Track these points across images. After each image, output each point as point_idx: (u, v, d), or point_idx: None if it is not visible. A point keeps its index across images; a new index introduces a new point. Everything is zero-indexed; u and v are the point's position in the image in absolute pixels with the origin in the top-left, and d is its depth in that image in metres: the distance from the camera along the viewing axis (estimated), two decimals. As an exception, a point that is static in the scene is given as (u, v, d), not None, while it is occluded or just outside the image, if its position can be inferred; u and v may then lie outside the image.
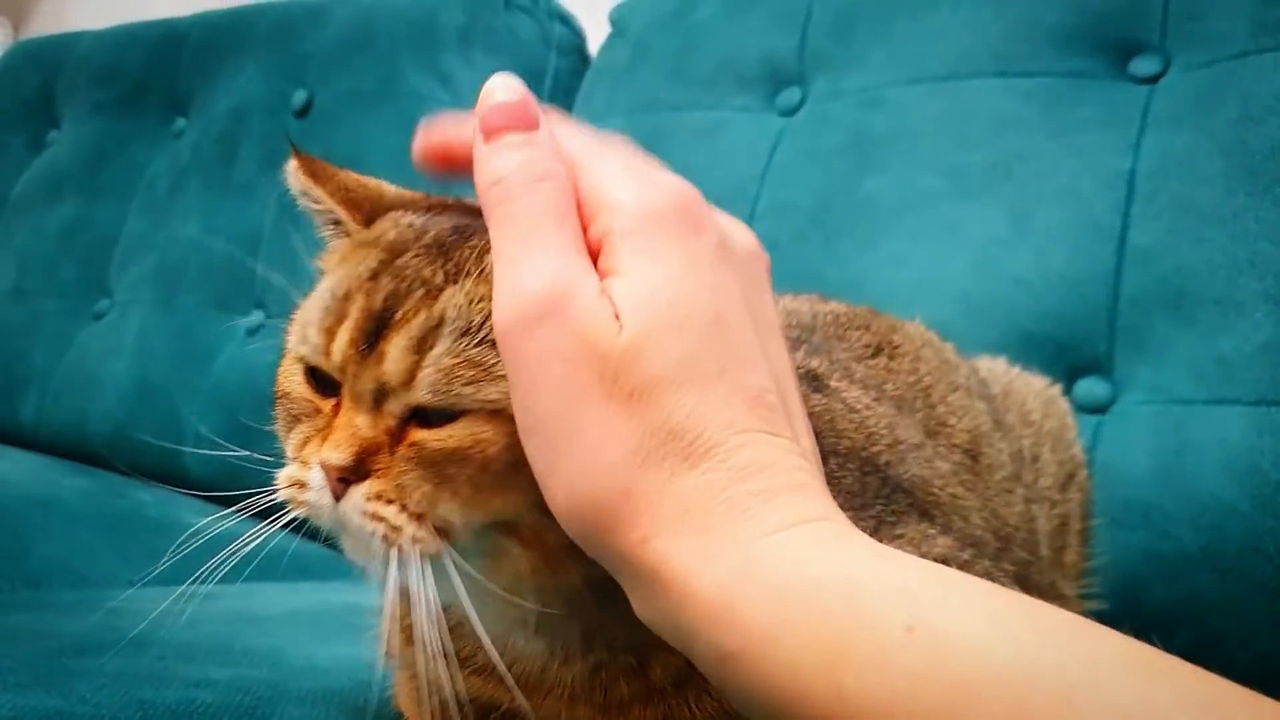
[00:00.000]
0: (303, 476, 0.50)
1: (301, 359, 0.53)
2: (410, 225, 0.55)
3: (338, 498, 0.49)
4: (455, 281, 0.50)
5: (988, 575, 0.61)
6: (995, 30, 1.17)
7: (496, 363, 0.47)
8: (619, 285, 0.43)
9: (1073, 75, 1.12)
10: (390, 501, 0.48)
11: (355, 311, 0.50)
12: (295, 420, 0.53)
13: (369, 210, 0.57)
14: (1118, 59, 1.11)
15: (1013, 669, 0.34)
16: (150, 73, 1.99)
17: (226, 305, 1.69)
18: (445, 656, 0.51)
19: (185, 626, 0.79)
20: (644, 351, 0.42)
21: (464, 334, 0.48)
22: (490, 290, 0.46)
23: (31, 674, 0.61)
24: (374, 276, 0.51)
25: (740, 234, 0.49)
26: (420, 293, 0.50)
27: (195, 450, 1.60)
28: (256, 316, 1.64)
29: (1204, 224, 0.98)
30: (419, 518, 0.48)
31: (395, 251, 0.53)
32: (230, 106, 1.82)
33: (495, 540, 0.49)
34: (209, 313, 1.70)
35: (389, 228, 0.55)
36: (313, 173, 0.59)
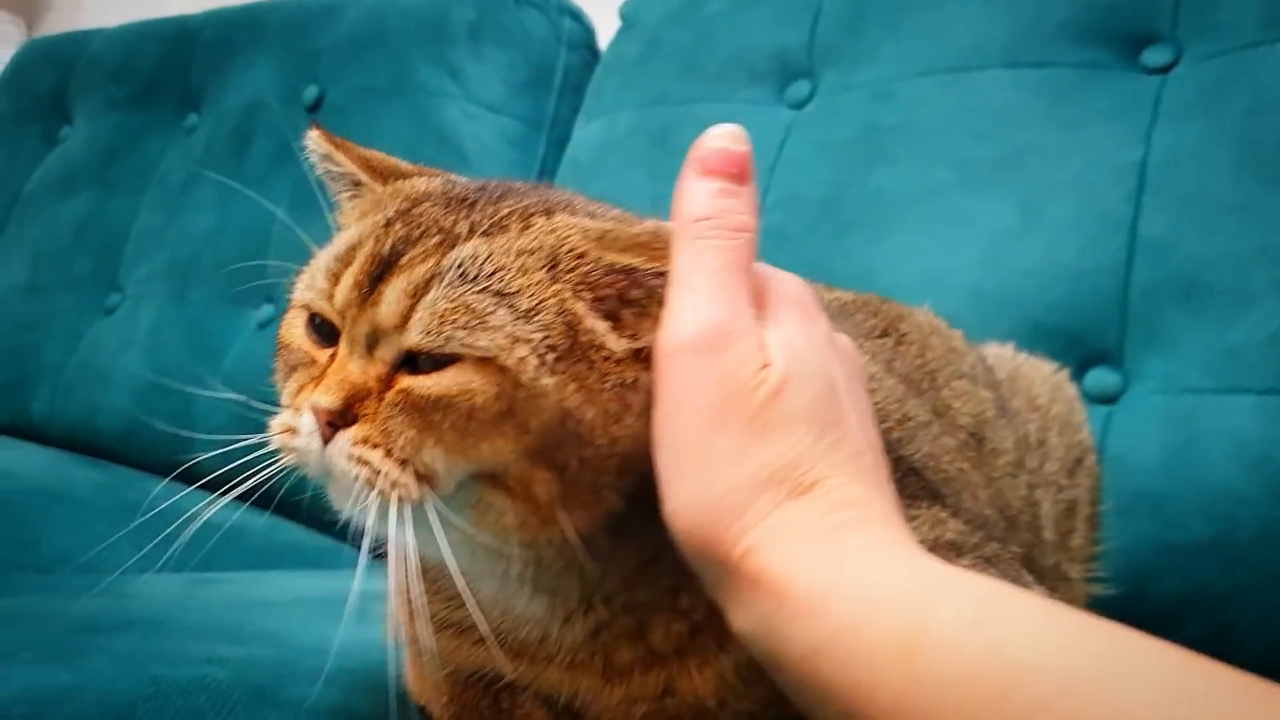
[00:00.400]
0: (294, 422, 0.51)
1: (306, 305, 0.54)
2: (436, 180, 0.58)
3: (326, 443, 0.50)
4: (477, 235, 0.52)
5: (997, 556, 0.61)
6: (1005, 22, 1.17)
7: (493, 312, 0.49)
8: (770, 337, 0.50)
9: (1083, 66, 1.12)
10: (375, 446, 0.49)
11: (362, 256, 0.52)
12: (292, 370, 0.54)
13: (389, 176, 0.60)
14: (1128, 50, 1.10)
15: (1066, 656, 0.39)
16: (163, 69, 2.00)
17: (237, 299, 1.69)
18: (420, 611, 0.53)
19: (195, 609, 0.79)
20: (782, 395, 0.48)
21: (466, 281, 0.50)
22: (519, 264, 0.50)
23: (44, 650, 0.62)
24: (388, 224, 0.53)
25: (842, 337, 0.57)
26: (435, 240, 0.52)
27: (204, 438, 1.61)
28: (267, 310, 1.65)
29: (1215, 214, 0.98)
30: (403, 463, 0.49)
31: (415, 201, 0.54)
32: (242, 102, 1.83)
33: (480, 493, 0.50)
34: (220, 306, 1.70)
35: (415, 182, 0.57)
36: (334, 142, 0.62)
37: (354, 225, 0.55)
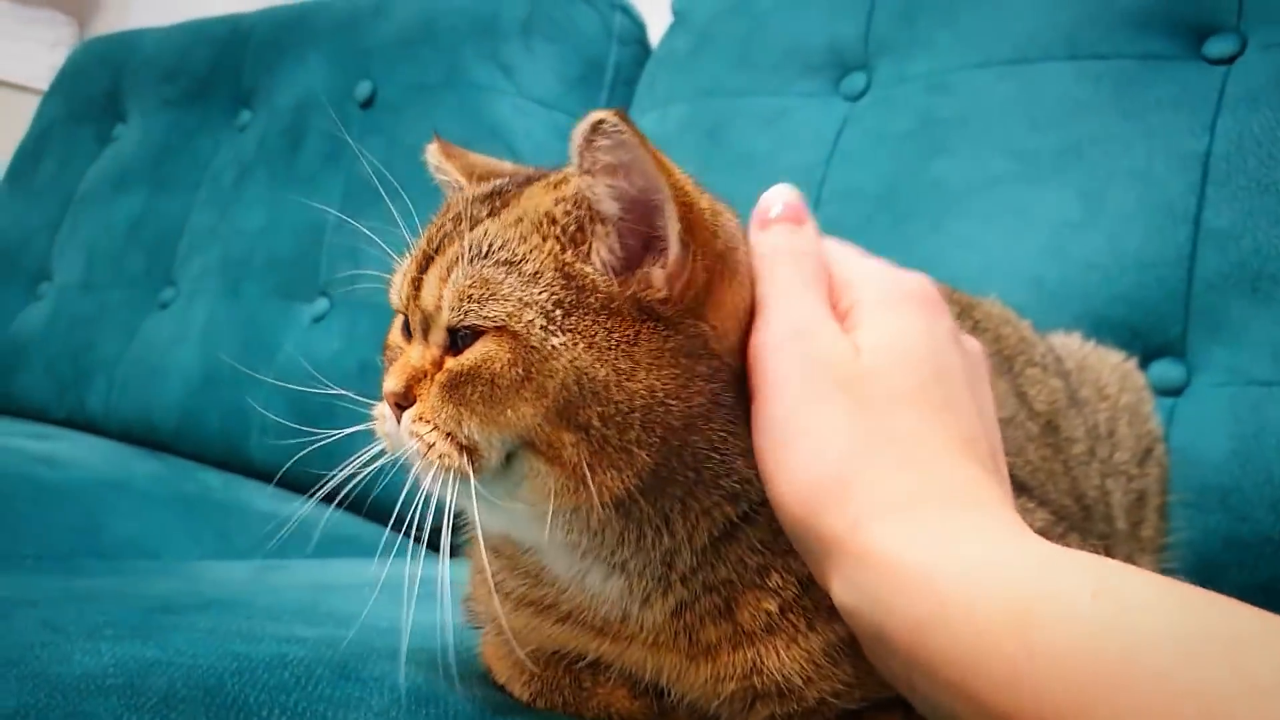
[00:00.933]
0: (379, 410, 0.57)
1: (391, 303, 0.59)
2: (488, 181, 0.61)
3: (399, 424, 0.55)
4: (493, 216, 0.56)
5: (1080, 548, 0.61)
6: (1066, 13, 1.16)
7: (502, 281, 0.53)
8: (862, 334, 0.53)
9: (1145, 57, 1.11)
10: (426, 421, 0.54)
11: (413, 255, 0.58)
12: (390, 363, 0.58)
13: (484, 179, 0.62)
14: (1191, 40, 1.09)
15: (1186, 626, 0.39)
16: (215, 68, 2.03)
17: (290, 294, 1.71)
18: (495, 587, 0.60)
19: (266, 592, 0.80)
20: (879, 374, 0.51)
21: (480, 257, 0.54)
22: (518, 231, 0.54)
23: (127, 628, 0.63)
24: (436, 222, 0.59)
25: (970, 339, 0.59)
26: (462, 228, 0.56)
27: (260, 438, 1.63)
28: (320, 305, 1.66)
29: (1282, 205, 0.97)
30: (448, 436, 0.53)
31: (466, 199, 0.58)
32: (294, 100, 1.85)
33: (524, 462, 0.53)
34: (273, 302, 1.72)
35: (487, 183, 0.60)
36: (446, 152, 0.66)
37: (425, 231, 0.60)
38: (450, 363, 0.53)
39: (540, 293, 0.52)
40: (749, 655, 0.54)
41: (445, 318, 0.54)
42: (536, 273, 0.53)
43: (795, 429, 0.50)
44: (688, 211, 0.52)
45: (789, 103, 1.33)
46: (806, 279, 0.55)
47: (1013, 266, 1.09)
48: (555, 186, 0.56)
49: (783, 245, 0.56)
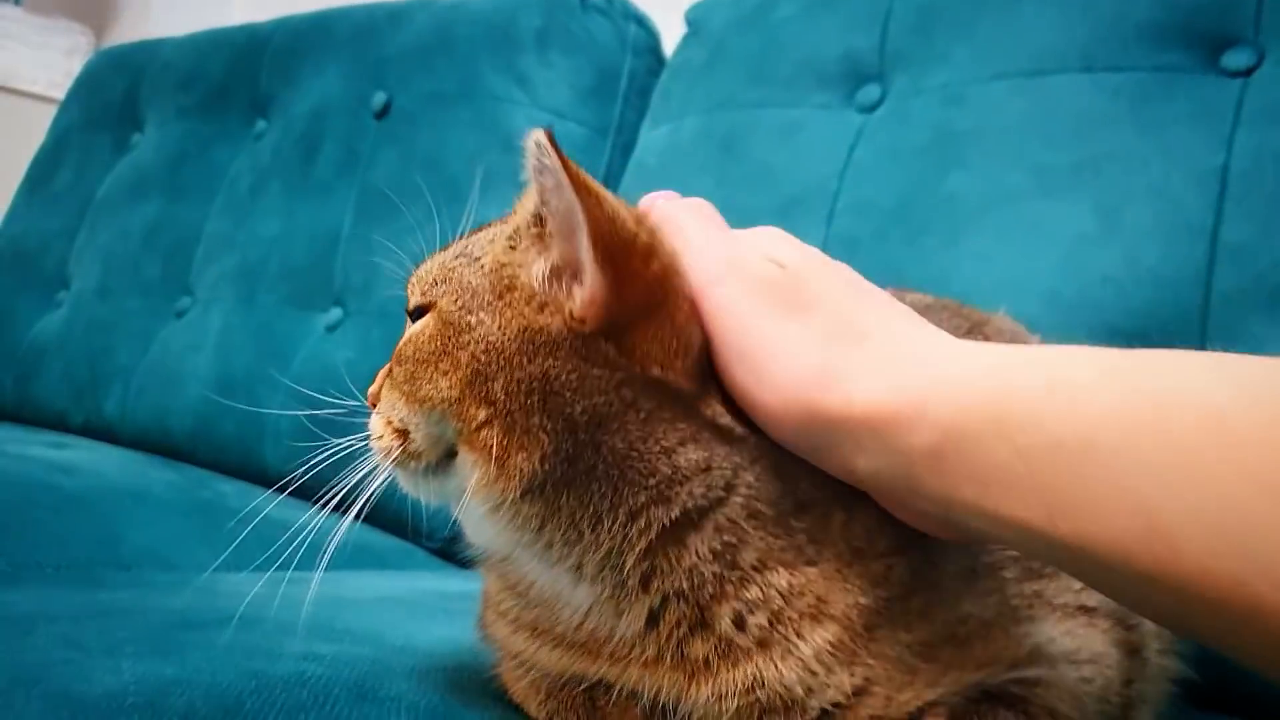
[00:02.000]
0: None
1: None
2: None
3: None
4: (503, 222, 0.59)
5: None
6: (1082, 26, 1.16)
7: (457, 271, 0.57)
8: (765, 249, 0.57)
9: (1162, 70, 1.10)
10: (378, 413, 0.58)
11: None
12: None
13: None
14: (1209, 53, 1.09)
15: (1129, 400, 0.42)
16: (232, 76, 2.04)
17: (306, 303, 1.71)
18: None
19: (284, 607, 0.80)
20: (807, 276, 0.55)
21: (459, 255, 0.58)
22: (490, 234, 0.58)
23: (147, 644, 0.63)
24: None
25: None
26: (441, 251, 0.60)
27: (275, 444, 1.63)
28: (335, 313, 1.67)
29: (1301, 220, 0.97)
30: (388, 421, 0.57)
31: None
32: (310, 108, 1.86)
33: (460, 457, 0.55)
34: (288, 310, 1.73)
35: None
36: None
37: None
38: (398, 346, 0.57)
39: (475, 276, 0.56)
40: (749, 670, 0.54)
41: (411, 305, 0.58)
42: (481, 262, 0.57)
43: (762, 349, 0.53)
44: (608, 240, 0.52)
45: (804, 115, 1.33)
46: (711, 221, 0.58)
47: (1028, 281, 1.08)
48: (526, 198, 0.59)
49: (674, 206, 0.59)
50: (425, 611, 0.83)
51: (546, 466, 0.53)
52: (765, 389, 0.53)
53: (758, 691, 0.54)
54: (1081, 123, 1.13)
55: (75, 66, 2.39)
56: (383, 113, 1.74)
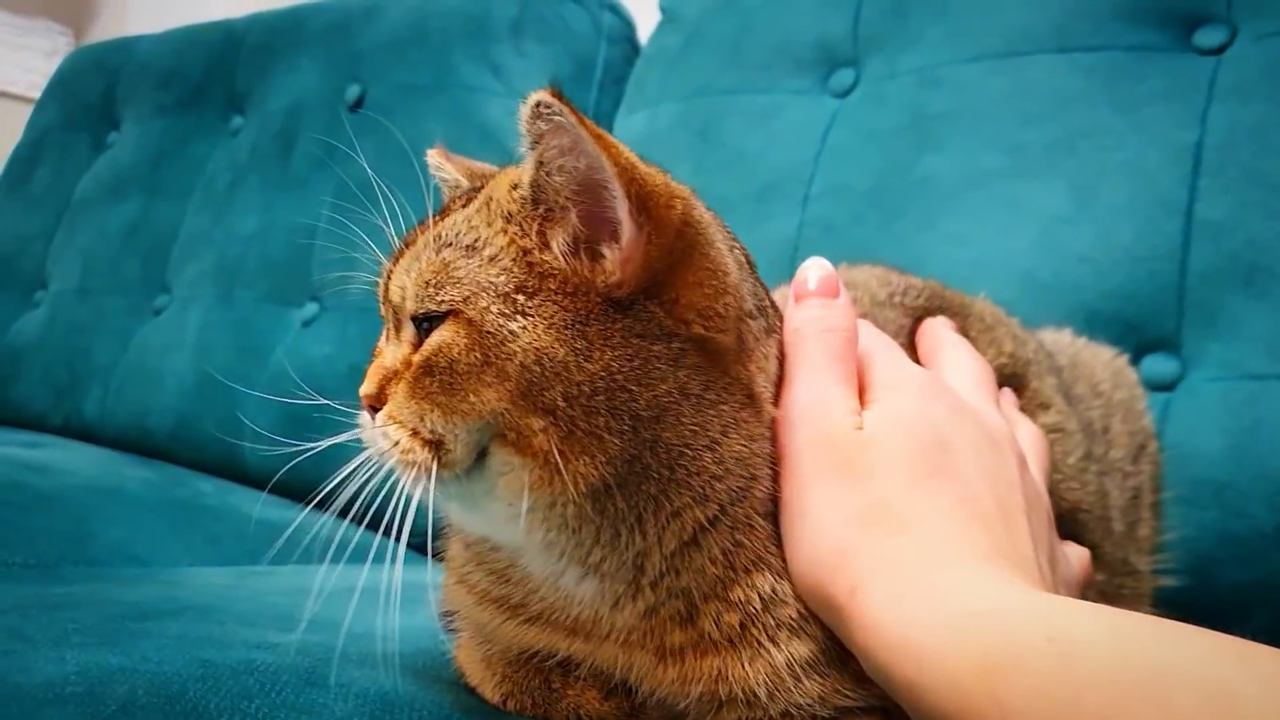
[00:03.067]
0: (362, 417, 0.56)
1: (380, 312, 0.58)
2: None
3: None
4: (465, 205, 0.56)
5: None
6: (1056, 5, 1.15)
7: (461, 265, 0.53)
8: (869, 411, 0.57)
9: (1136, 49, 1.09)
10: (394, 421, 0.53)
11: (391, 253, 0.58)
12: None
13: (482, 178, 0.62)
14: (1182, 31, 1.08)
15: (1126, 663, 0.41)
16: (208, 73, 2.02)
17: (283, 299, 1.70)
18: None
19: (245, 598, 0.79)
20: (873, 445, 0.54)
21: (444, 246, 0.54)
22: (482, 218, 0.54)
23: (95, 635, 0.62)
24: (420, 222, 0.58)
25: (1024, 430, 0.67)
26: (435, 219, 0.56)
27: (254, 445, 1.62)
28: (312, 309, 1.66)
29: (1276, 196, 0.96)
30: (413, 433, 0.52)
31: (452, 199, 0.59)
32: (286, 104, 1.84)
33: (497, 457, 0.52)
34: (266, 306, 1.71)
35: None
36: (446, 155, 0.67)
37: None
38: (416, 354, 0.53)
39: (498, 276, 0.52)
40: (715, 664, 0.54)
41: (409, 308, 0.54)
42: (494, 257, 0.53)
43: (801, 507, 0.54)
44: (638, 188, 0.51)
45: (779, 100, 1.32)
46: (831, 354, 0.58)
47: (1004, 262, 1.07)
48: (515, 171, 0.55)
49: (812, 319, 0.59)
50: (391, 601, 0.82)
51: (610, 470, 0.51)
52: (791, 548, 0.54)
53: (720, 684, 0.54)
54: (1056, 102, 1.12)
55: (54, 67, 2.37)
56: (357, 105, 1.73)
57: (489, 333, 0.51)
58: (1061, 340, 0.92)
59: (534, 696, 0.58)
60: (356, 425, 0.58)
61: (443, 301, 0.52)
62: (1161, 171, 1.02)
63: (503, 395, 0.51)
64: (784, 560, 0.54)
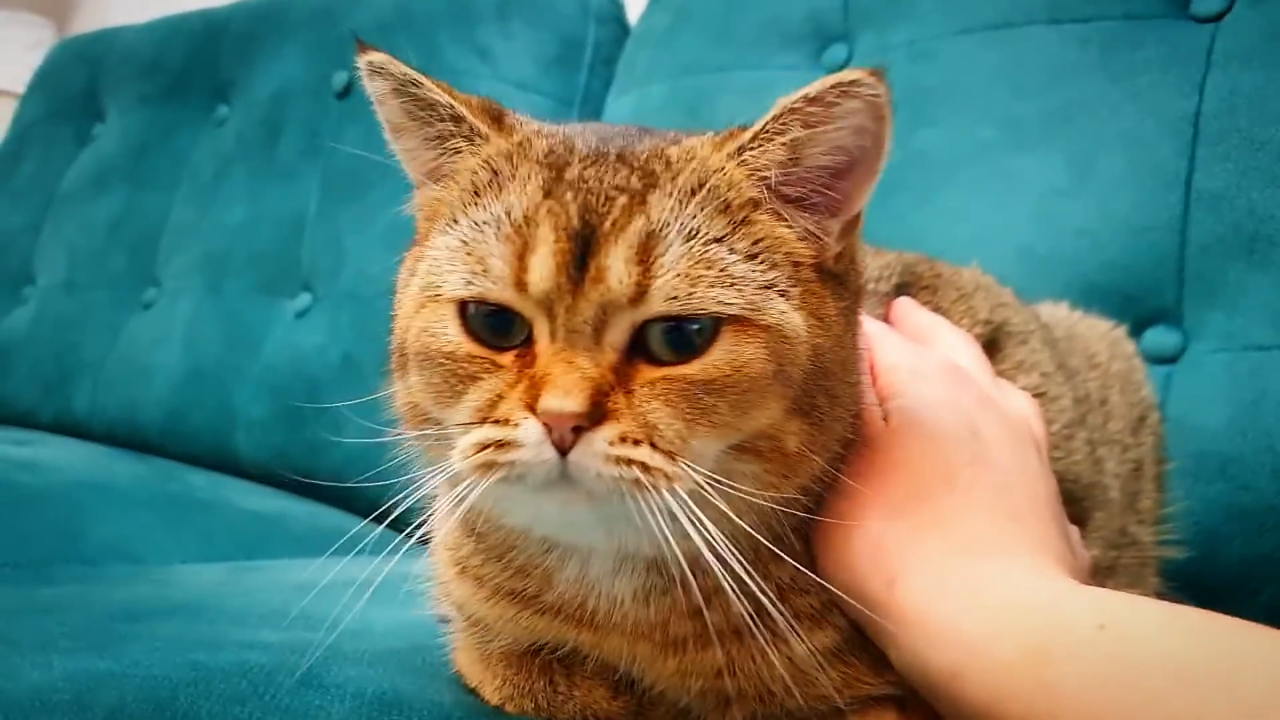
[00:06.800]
0: (508, 435, 0.47)
1: (477, 298, 0.49)
2: (553, 135, 0.53)
3: (564, 450, 0.46)
4: (657, 186, 0.49)
5: None
6: (1047, -26, 1.13)
7: (728, 265, 0.48)
8: (894, 404, 0.56)
9: (1130, 18, 1.08)
10: (638, 442, 0.46)
11: (549, 233, 0.48)
12: (463, 381, 0.49)
13: (500, 120, 0.55)
14: (1177, -1, 1.06)
15: (1184, 652, 0.41)
16: (192, 63, 2.00)
17: (273, 289, 1.68)
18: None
19: (238, 595, 0.78)
20: (901, 436, 0.54)
21: (690, 238, 0.48)
22: (701, 197, 0.48)
23: (84, 639, 0.60)
24: (551, 193, 0.49)
25: (1017, 401, 0.64)
26: (623, 200, 0.48)
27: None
28: (304, 299, 1.64)
29: (1277, 164, 0.94)
30: (669, 455, 0.46)
31: (557, 165, 0.50)
32: (271, 92, 1.82)
33: (729, 463, 0.49)
34: (256, 297, 1.70)
35: (529, 137, 0.53)
36: (420, 72, 0.56)
37: (485, 196, 0.51)
38: (668, 373, 0.47)
39: (766, 272, 0.49)
40: (717, 656, 0.52)
41: (657, 306, 0.47)
42: (753, 253, 0.49)
43: (832, 505, 0.53)
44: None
45: (771, 76, 1.30)
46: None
47: (1001, 236, 1.06)
48: (739, 153, 0.51)
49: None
50: (387, 595, 0.80)
51: (827, 457, 0.51)
52: (827, 543, 0.53)
53: (727, 680, 0.52)
54: (1051, 73, 1.10)
55: (37, 60, 2.34)
56: (345, 92, 1.71)
57: (785, 338, 0.48)
58: (1059, 313, 0.91)
59: (538, 699, 0.57)
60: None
61: (724, 303, 0.47)
62: (1159, 141, 1.01)
63: (783, 405, 0.48)
64: (807, 546, 0.53)
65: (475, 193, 0.51)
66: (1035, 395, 0.72)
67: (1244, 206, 0.95)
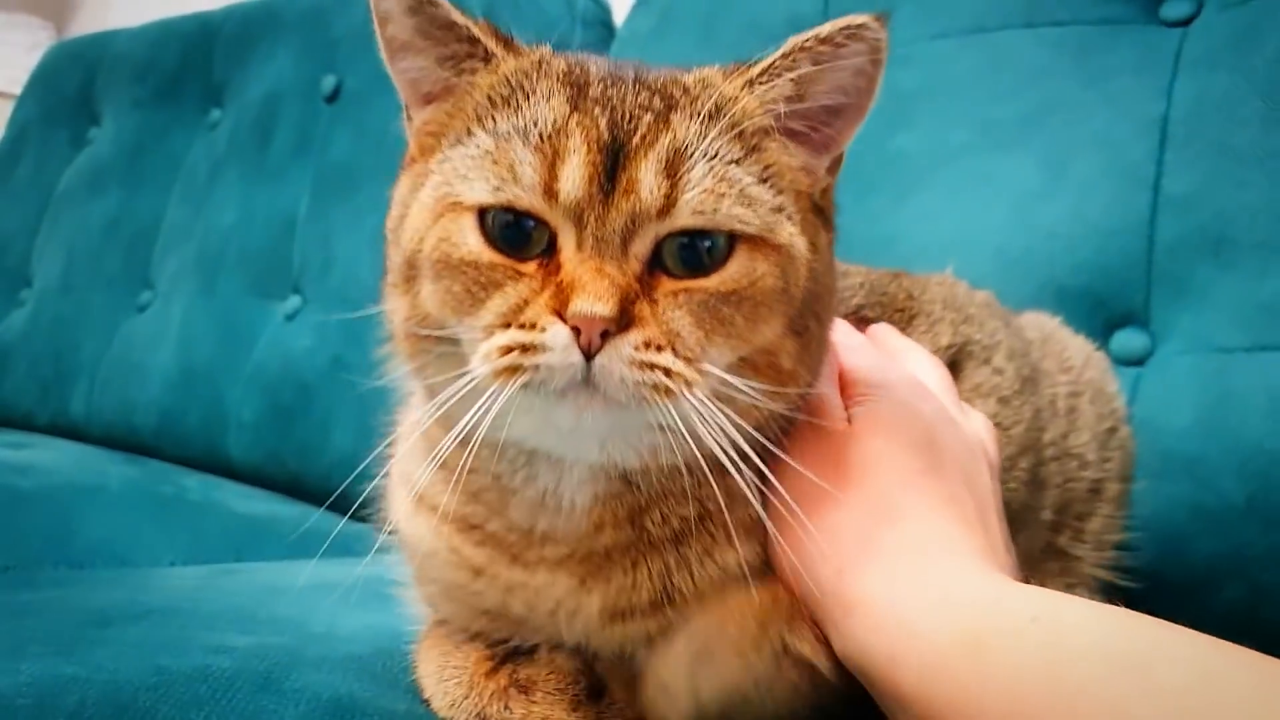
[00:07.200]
0: (534, 339, 0.48)
1: (505, 204, 0.50)
2: (568, 57, 0.56)
3: (590, 354, 0.47)
4: (677, 109, 0.52)
5: None
6: (1022, -21, 1.14)
7: (745, 187, 0.51)
8: (861, 407, 0.58)
9: (1103, 22, 1.09)
10: (661, 349, 0.48)
11: (580, 144, 0.50)
12: (485, 289, 0.50)
13: (497, 33, 0.57)
14: (1148, 4, 1.07)
15: (1110, 643, 0.43)
16: (185, 66, 2.01)
17: (265, 291, 1.70)
18: None
19: (211, 598, 0.80)
20: (862, 437, 0.56)
21: (711, 158, 0.50)
22: (719, 122, 0.51)
23: (53, 644, 0.62)
24: (579, 108, 0.51)
25: (976, 424, 0.66)
26: (649, 119, 0.51)
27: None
28: (294, 301, 1.65)
29: (1242, 166, 0.95)
30: (688, 361, 0.49)
31: (578, 83, 0.53)
32: (263, 95, 1.83)
33: (734, 376, 0.51)
34: (248, 299, 1.71)
35: (546, 56, 0.56)
36: None
37: (503, 109, 0.52)
38: (690, 284, 0.50)
39: (776, 196, 0.52)
40: (655, 567, 0.55)
41: (684, 219, 0.50)
42: (764, 177, 0.52)
43: (800, 504, 0.54)
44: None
45: (750, 80, 1.31)
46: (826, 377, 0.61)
47: (976, 238, 1.07)
48: (750, 85, 0.54)
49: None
50: (358, 598, 0.82)
51: (808, 379, 0.55)
52: (782, 537, 0.54)
53: (666, 611, 0.54)
54: (1026, 76, 1.11)
55: (35, 62, 2.36)
56: (333, 96, 1.72)
57: (792, 257, 0.52)
58: (1041, 318, 0.91)
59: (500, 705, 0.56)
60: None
61: (746, 222, 0.50)
62: (1130, 144, 1.02)
63: (783, 321, 0.52)
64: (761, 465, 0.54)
65: (494, 106, 0.53)
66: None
67: (1210, 209, 0.96)
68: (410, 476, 0.59)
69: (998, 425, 0.71)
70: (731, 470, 0.50)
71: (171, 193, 1.92)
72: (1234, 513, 0.89)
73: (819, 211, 0.56)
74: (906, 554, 0.52)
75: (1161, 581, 0.90)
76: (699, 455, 0.49)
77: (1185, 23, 1.03)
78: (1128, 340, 0.99)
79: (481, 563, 0.57)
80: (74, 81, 2.20)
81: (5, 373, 2.01)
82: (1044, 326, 0.90)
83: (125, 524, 1.23)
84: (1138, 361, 0.98)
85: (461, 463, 0.52)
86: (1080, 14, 1.10)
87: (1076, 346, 0.90)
